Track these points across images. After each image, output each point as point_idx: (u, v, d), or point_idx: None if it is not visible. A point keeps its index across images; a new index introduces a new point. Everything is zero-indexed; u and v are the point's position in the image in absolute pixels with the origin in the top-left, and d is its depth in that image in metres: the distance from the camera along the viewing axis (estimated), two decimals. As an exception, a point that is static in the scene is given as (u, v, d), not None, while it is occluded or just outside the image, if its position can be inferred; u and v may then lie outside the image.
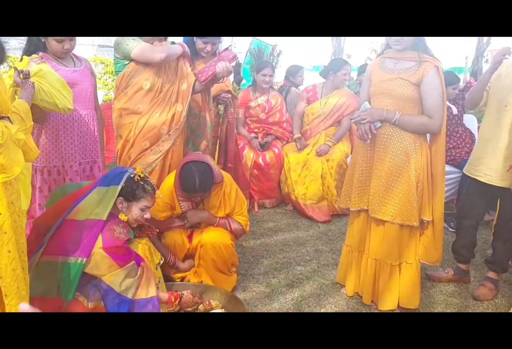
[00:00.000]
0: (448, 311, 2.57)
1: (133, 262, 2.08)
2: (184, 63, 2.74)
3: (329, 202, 4.05)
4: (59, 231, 2.06)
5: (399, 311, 2.51)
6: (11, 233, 1.68)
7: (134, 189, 2.12)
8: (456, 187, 3.76)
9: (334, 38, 10.68)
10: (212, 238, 2.62)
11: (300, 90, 4.61)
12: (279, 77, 6.44)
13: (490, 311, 2.58)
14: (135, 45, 2.54)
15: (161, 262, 2.45)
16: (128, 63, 2.62)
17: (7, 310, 1.67)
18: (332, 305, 2.61)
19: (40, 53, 2.54)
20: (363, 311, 2.54)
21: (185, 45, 2.74)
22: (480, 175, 2.66)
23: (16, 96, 2.15)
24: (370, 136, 2.37)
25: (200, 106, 2.94)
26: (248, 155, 4.20)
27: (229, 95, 3.36)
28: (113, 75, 8.61)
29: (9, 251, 1.66)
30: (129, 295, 2.03)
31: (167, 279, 2.61)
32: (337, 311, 2.54)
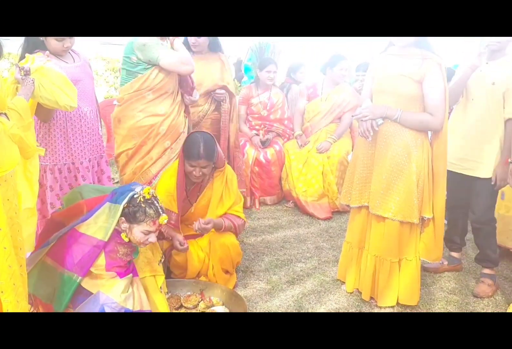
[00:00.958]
0: (449, 308, 2.57)
1: (131, 274, 2.07)
2: None
3: (330, 199, 4.05)
4: (65, 237, 2.05)
5: (398, 308, 2.52)
6: (6, 229, 1.66)
7: (135, 211, 1.98)
8: None
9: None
10: (220, 237, 2.62)
11: (301, 86, 4.59)
12: (279, 75, 6.42)
13: (490, 308, 2.59)
14: (164, 53, 2.60)
15: (163, 259, 2.45)
16: (151, 67, 2.66)
17: (4, 307, 1.66)
18: (332, 302, 2.61)
19: (47, 52, 2.51)
20: (363, 308, 2.55)
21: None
22: (449, 164, 2.63)
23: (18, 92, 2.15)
24: (372, 134, 2.37)
25: None
26: (249, 152, 4.20)
27: (223, 91, 3.35)
28: (115, 72, 8.58)
29: (5, 248, 1.65)
30: (129, 306, 1.98)
31: (168, 276, 2.62)
32: (338, 308, 2.54)
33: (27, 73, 2.15)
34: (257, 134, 4.33)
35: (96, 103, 2.86)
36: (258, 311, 2.49)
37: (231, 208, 2.72)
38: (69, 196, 2.28)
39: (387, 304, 2.52)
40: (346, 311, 2.51)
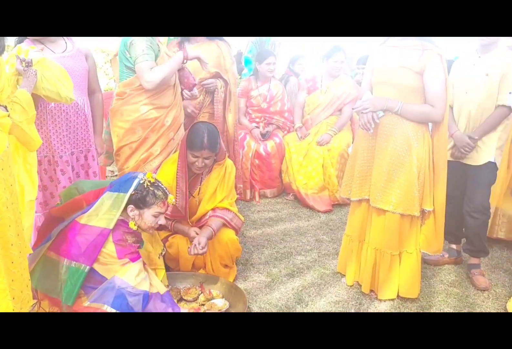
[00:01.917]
0: (449, 300, 2.57)
1: (141, 258, 2.10)
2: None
3: (330, 192, 4.04)
4: (67, 230, 2.06)
5: (399, 300, 2.52)
6: None
7: (145, 196, 2.06)
8: None
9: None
10: (218, 234, 2.60)
11: (301, 79, 4.56)
12: (280, 67, 6.38)
13: (490, 300, 2.58)
14: (142, 58, 2.55)
15: (163, 252, 2.45)
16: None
17: None
18: (332, 295, 2.61)
19: (42, 46, 2.46)
20: (363, 300, 2.55)
21: (186, 50, 2.83)
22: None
23: (18, 86, 2.12)
24: (373, 126, 2.35)
25: None
26: (249, 145, 4.19)
27: (211, 81, 3.22)
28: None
29: None
30: (145, 288, 2.01)
31: (168, 268, 2.62)
32: (337, 301, 2.54)
33: (29, 64, 2.11)
34: (257, 127, 4.32)
35: (93, 92, 2.83)
36: (258, 303, 2.49)
37: (221, 201, 2.68)
38: (66, 192, 2.30)
39: (387, 296, 2.52)
40: (346, 304, 2.51)
